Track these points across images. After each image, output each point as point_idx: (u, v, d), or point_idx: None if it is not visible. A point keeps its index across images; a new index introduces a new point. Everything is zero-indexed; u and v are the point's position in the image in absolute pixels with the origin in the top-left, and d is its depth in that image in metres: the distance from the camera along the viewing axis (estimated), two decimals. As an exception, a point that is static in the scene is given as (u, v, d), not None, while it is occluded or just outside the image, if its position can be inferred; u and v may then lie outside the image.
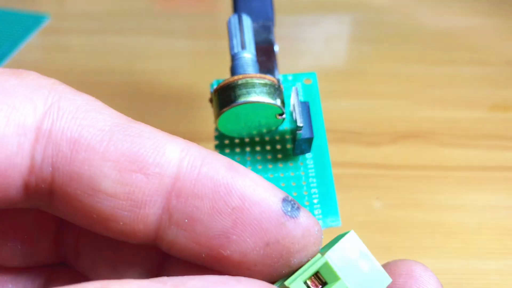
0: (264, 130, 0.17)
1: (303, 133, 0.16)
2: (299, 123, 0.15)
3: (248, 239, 0.11)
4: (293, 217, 0.11)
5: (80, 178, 0.11)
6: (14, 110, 0.11)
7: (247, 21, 0.17)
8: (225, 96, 0.15)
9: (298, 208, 0.12)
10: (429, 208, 0.26)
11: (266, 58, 0.17)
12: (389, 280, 0.12)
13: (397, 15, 0.40)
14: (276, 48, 0.18)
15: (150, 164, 0.11)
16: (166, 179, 0.11)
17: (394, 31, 0.38)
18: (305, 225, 0.12)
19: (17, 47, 0.37)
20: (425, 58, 0.36)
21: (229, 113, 0.15)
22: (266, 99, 0.15)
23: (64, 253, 0.14)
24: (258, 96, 0.15)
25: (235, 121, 0.16)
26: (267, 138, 0.17)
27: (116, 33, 0.39)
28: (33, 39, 0.38)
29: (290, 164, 0.17)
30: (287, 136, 0.17)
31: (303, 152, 0.17)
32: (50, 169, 0.11)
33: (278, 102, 0.15)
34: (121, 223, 0.11)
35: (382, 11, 0.40)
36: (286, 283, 0.11)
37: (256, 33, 0.18)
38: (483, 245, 0.24)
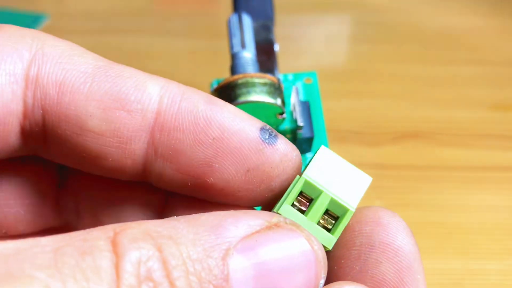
0: None
1: (303, 133, 0.16)
2: (300, 123, 0.15)
3: (229, 167, 0.12)
4: (271, 144, 0.12)
5: (68, 118, 0.12)
6: (3, 61, 0.12)
7: (247, 20, 0.17)
8: (225, 95, 0.15)
9: (275, 135, 0.12)
10: (430, 208, 0.26)
11: (266, 58, 0.17)
12: (368, 179, 0.13)
13: (398, 15, 0.40)
14: (276, 47, 0.18)
15: (132, 102, 0.12)
16: (149, 114, 0.12)
17: (394, 31, 0.38)
18: (283, 151, 0.12)
19: (17, 47, 0.37)
20: (426, 58, 0.36)
21: None
22: (266, 99, 0.15)
23: (66, 216, 0.15)
24: (258, 95, 0.15)
25: None
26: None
27: (116, 32, 0.38)
28: (32, 39, 0.38)
29: None
30: (288, 136, 0.17)
31: (303, 151, 0.17)
32: (41, 111, 0.12)
33: (278, 101, 0.15)
34: (110, 160, 0.12)
35: (382, 11, 0.40)
36: (274, 210, 0.12)
37: (256, 33, 0.18)
38: (484, 245, 0.24)
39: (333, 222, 0.12)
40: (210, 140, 0.12)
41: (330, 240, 0.12)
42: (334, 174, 0.12)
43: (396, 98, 0.32)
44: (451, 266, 0.23)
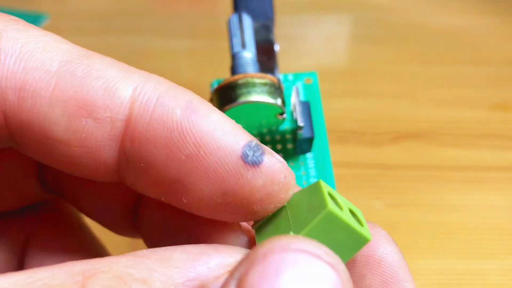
0: (265, 130, 0.17)
1: (303, 133, 0.16)
2: (300, 123, 0.15)
3: (203, 188, 0.11)
4: (254, 165, 0.11)
5: (31, 126, 0.11)
6: None
7: (247, 20, 0.17)
8: (226, 95, 0.15)
9: (262, 153, 0.11)
10: (430, 208, 0.26)
11: (267, 58, 0.17)
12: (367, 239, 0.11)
13: (398, 15, 0.40)
14: (276, 47, 0.18)
15: (99, 108, 0.10)
16: (118, 123, 0.11)
17: (395, 30, 0.38)
18: (267, 173, 0.11)
19: (17, 47, 0.37)
20: (426, 57, 0.36)
21: (229, 112, 0.15)
22: (267, 99, 0.15)
23: (48, 193, 0.14)
24: (259, 95, 0.15)
25: (236, 121, 0.16)
26: (268, 138, 0.17)
27: (116, 32, 0.39)
28: (32, 39, 0.38)
29: (291, 164, 0.17)
30: (288, 136, 0.17)
31: (304, 151, 0.17)
32: (3, 117, 0.11)
33: (278, 101, 0.15)
34: (81, 168, 0.11)
35: (382, 10, 0.40)
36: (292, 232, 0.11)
37: (256, 33, 0.18)
38: (484, 245, 0.24)
39: None
40: (183, 157, 0.10)
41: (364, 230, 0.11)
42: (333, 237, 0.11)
43: (396, 98, 0.32)
44: (451, 266, 0.23)
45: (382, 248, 0.12)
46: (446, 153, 0.29)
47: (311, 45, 0.38)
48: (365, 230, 0.11)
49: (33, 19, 0.39)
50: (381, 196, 0.26)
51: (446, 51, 0.36)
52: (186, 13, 0.41)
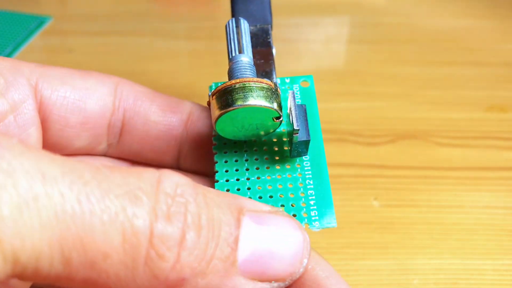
0: (262, 133, 0.17)
1: (299, 136, 0.16)
2: (296, 127, 0.15)
3: None
4: None
5: (138, 114, 0.19)
6: (99, 88, 0.19)
7: (245, 24, 0.17)
8: (223, 99, 0.15)
9: None
10: (427, 208, 0.26)
11: (264, 61, 0.17)
12: None
13: (395, 17, 0.40)
14: (274, 50, 0.18)
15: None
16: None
17: (392, 32, 0.39)
18: None
19: (20, 48, 0.37)
20: (423, 59, 0.36)
21: (226, 116, 0.15)
22: (264, 103, 0.15)
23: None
24: (256, 100, 0.15)
25: (233, 124, 0.16)
26: (264, 140, 0.18)
27: (118, 34, 0.39)
28: (35, 40, 0.38)
29: (287, 166, 0.17)
30: (284, 138, 0.18)
31: (300, 154, 0.17)
32: (123, 110, 0.19)
33: (275, 105, 0.15)
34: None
35: (380, 12, 0.41)
36: None
37: (254, 36, 0.18)
38: (480, 245, 0.24)
39: None
40: None
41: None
42: None
43: (393, 99, 0.33)
44: (447, 265, 0.23)
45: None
46: (443, 153, 0.29)
47: (309, 46, 0.38)
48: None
49: (36, 20, 0.39)
50: (378, 196, 0.26)
51: (442, 52, 0.37)
52: (187, 15, 0.41)
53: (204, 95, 0.32)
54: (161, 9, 0.42)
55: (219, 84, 0.17)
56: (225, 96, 0.15)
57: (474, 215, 0.26)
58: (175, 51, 0.37)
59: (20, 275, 0.10)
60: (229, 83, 0.15)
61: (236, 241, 0.12)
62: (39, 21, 0.39)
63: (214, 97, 0.15)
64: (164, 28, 0.40)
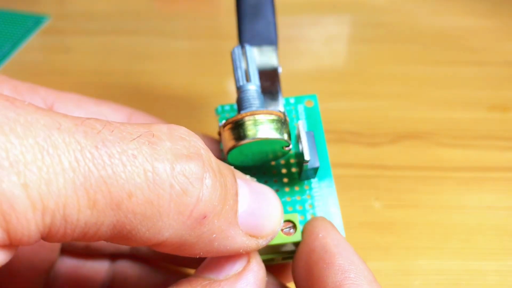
0: (270, 157, 0.17)
1: (310, 164, 0.16)
2: (307, 157, 0.16)
3: None
4: None
5: None
6: None
7: (250, 51, 0.17)
8: (235, 132, 0.15)
9: None
10: (428, 209, 0.26)
11: (271, 83, 0.18)
12: None
13: (396, 16, 0.40)
14: (280, 69, 0.18)
15: None
16: None
17: (393, 31, 0.38)
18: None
19: (18, 47, 0.37)
20: (424, 58, 0.36)
21: (239, 149, 0.16)
22: (274, 135, 0.15)
23: None
24: (266, 133, 0.15)
25: (244, 154, 0.16)
26: (273, 163, 0.18)
27: (116, 33, 0.39)
28: (33, 39, 0.38)
29: (296, 188, 0.17)
30: (292, 160, 0.18)
31: (308, 178, 0.17)
32: None
33: (285, 136, 0.16)
34: None
35: (381, 12, 0.41)
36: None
37: (259, 57, 0.18)
38: (482, 245, 0.24)
39: None
40: None
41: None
42: None
43: (395, 99, 0.32)
44: (449, 267, 0.23)
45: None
46: (444, 153, 0.29)
47: (311, 46, 0.38)
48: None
49: (34, 20, 0.39)
50: (379, 196, 0.26)
51: (444, 52, 0.36)
52: (186, 14, 0.41)
53: (203, 95, 0.32)
54: (161, 8, 0.42)
55: (226, 107, 0.17)
56: (237, 129, 0.15)
57: (476, 215, 0.25)
58: (174, 50, 0.37)
59: (50, 229, 0.10)
60: (240, 116, 0.15)
61: (236, 194, 0.13)
62: (37, 20, 0.39)
63: (225, 128, 0.16)
64: (163, 27, 0.39)
